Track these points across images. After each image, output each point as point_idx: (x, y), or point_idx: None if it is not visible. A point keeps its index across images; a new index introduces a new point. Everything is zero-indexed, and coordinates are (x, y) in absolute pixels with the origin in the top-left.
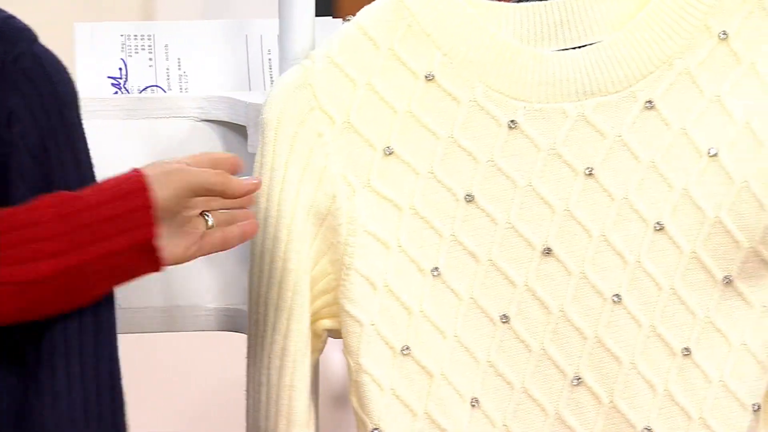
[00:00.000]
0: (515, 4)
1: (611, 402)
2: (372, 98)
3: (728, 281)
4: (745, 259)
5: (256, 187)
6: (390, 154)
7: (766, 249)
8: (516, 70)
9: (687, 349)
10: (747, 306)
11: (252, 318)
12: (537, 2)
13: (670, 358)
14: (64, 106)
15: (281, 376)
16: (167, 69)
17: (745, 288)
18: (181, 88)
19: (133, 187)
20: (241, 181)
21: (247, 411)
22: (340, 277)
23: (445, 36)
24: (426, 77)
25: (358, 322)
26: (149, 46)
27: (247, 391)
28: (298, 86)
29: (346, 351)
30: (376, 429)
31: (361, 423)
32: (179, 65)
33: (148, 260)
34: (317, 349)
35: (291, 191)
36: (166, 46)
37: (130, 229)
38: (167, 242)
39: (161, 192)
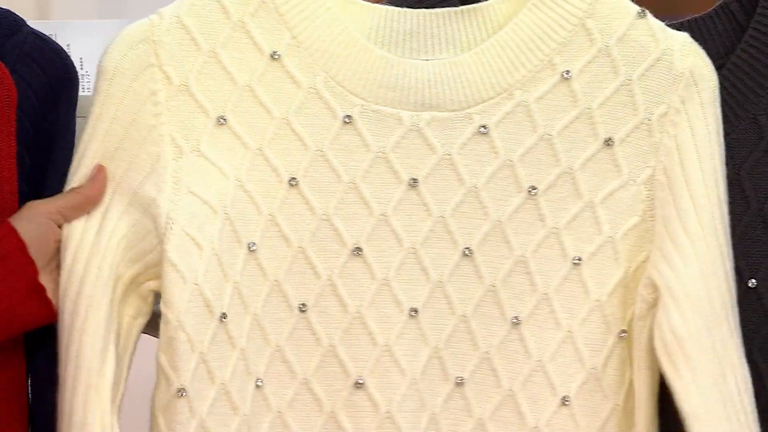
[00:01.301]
0: (375, 5)
1: (388, 412)
2: (214, 67)
3: (516, 322)
4: (537, 305)
5: (101, 170)
6: (223, 124)
7: (557, 298)
8: (361, 67)
9: (461, 378)
10: (526, 356)
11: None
12: (395, 8)
13: (445, 384)
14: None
15: (74, 320)
16: None
17: (529, 334)
18: (83, 88)
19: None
20: (94, 185)
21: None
22: (165, 234)
23: (298, 19)
24: (271, 55)
25: (182, 278)
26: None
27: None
28: (141, 40)
29: (165, 305)
30: (182, 388)
31: (165, 380)
32: (81, 65)
33: (39, 302)
34: (144, 313)
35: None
36: (68, 45)
37: (11, 271)
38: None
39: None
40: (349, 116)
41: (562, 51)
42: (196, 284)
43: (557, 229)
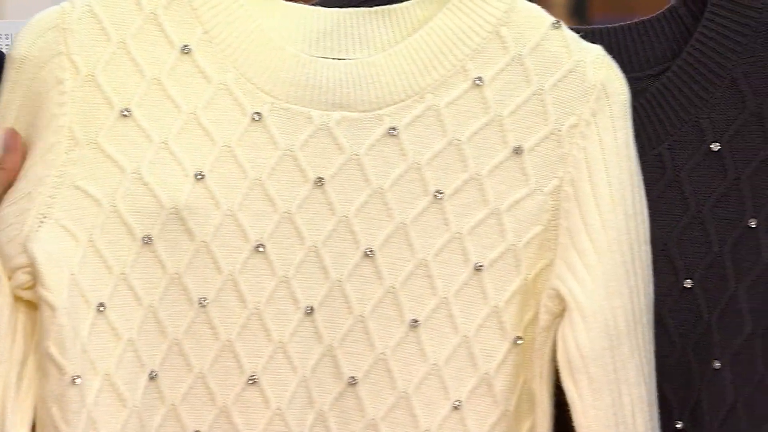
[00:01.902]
0: (290, 3)
1: (278, 409)
2: (122, 58)
3: (414, 324)
4: (435, 308)
5: (14, 136)
6: (126, 116)
7: (456, 303)
8: (272, 65)
9: (353, 378)
10: (422, 358)
11: None
12: (311, 7)
13: (338, 383)
14: None
15: None
16: None
17: (426, 337)
18: None
19: None
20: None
21: None
22: (34, 229)
23: (211, 14)
24: (182, 49)
25: (58, 267)
26: (7, 45)
27: None
28: (51, 27)
29: (46, 292)
30: (75, 376)
31: (57, 369)
32: None
33: None
34: None
35: None
36: None
37: None
38: None
39: None
40: (258, 113)
41: (475, 57)
42: (73, 274)
43: (461, 234)
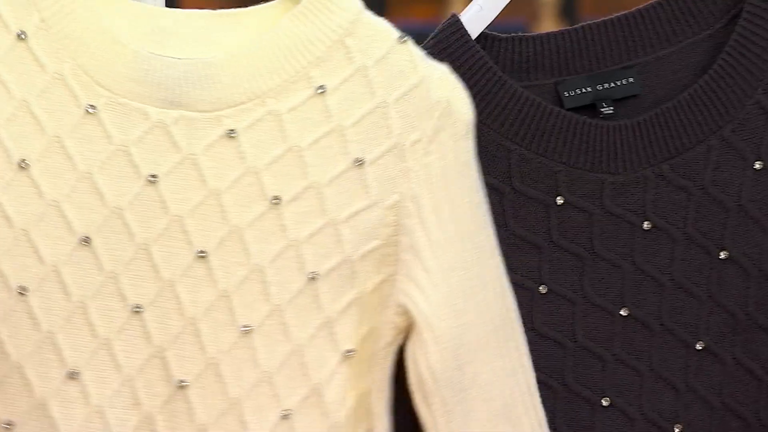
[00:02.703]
0: (132, 0)
1: (98, 406)
2: None
3: (246, 330)
4: (269, 315)
5: None
6: None
7: (289, 311)
8: (110, 59)
9: (184, 381)
10: (254, 365)
11: None
12: (156, 7)
13: (167, 385)
14: None
15: None
16: None
17: (259, 343)
18: None
19: None
20: None
21: None
22: None
23: (49, 2)
24: (18, 35)
25: None
26: None
27: None
28: None
29: None
30: None
31: None
32: None
33: None
34: None
35: None
36: None
37: None
38: None
39: None
40: (92, 106)
41: (319, 65)
42: None
43: (297, 241)
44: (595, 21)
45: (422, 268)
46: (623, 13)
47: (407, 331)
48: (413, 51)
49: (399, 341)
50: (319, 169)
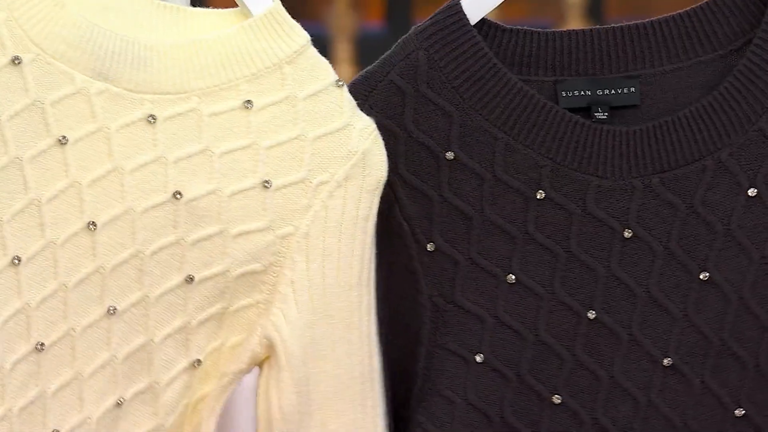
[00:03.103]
0: None
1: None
2: None
3: (112, 312)
4: (136, 303)
5: None
6: None
7: (157, 305)
8: (50, 18)
9: (42, 344)
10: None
11: None
12: None
13: (25, 344)
14: None
15: None
16: None
17: (118, 327)
18: None
19: None
20: None
21: None
22: None
23: None
24: None
25: None
26: None
27: None
28: None
29: None
30: None
31: None
32: None
33: None
34: None
35: None
36: None
37: None
38: None
39: None
40: (18, 58)
41: (252, 81)
42: None
43: (185, 242)
44: (604, 26)
45: (297, 308)
46: (634, 22)
47: (261, 364)
48: (345, 97)
49: (248, 371)
50: (226, 179)
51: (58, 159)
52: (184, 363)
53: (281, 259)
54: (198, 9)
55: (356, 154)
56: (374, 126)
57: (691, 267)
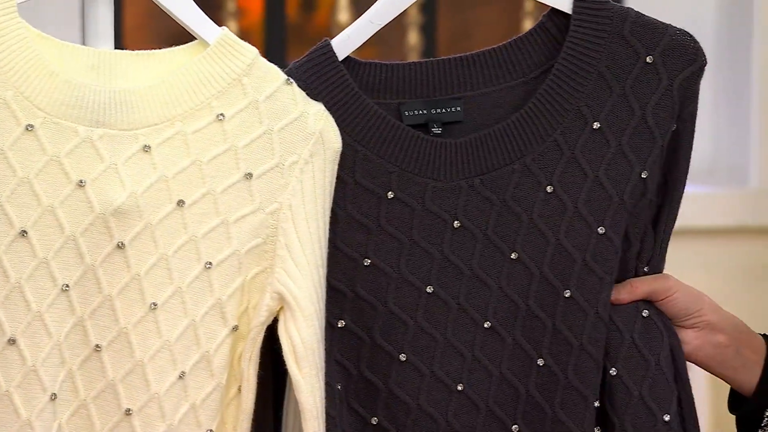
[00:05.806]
0: (66, 42)
1: (33, 366)
2: None
3: (154, 307)
4: (172, 295)
5: None
6: None
7: (188, 292)
8: (47, 88)
9: (98, 345)
10: (158, 335)
11: None
12: (84, 47)
13: (85, 348)
14: None
15: None
16: None
17: (163, 318)
18: None
19: None
20: None
21: None
22: None
23: None
24: None
25: None
26: None
27: None
28: None
29: None
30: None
31: None
32: None
33: None
34: None
35: None
36: None
37: None
38: None
39: None
40: (31, 125)
41: (219, 97)
42: None
43: (196, 237)
44: (437, 59)
45: (294, 263)
46: (459, 55)
47: (277, 313)
48: (296, 91)
49: (269, 321)
50: (216, 179)
51: (81, 199)
52: (225, 331)
53: (274, 230)
54: (165, 50)
55: (315, 135)
56: (324, 109)
57: (504, 249)
